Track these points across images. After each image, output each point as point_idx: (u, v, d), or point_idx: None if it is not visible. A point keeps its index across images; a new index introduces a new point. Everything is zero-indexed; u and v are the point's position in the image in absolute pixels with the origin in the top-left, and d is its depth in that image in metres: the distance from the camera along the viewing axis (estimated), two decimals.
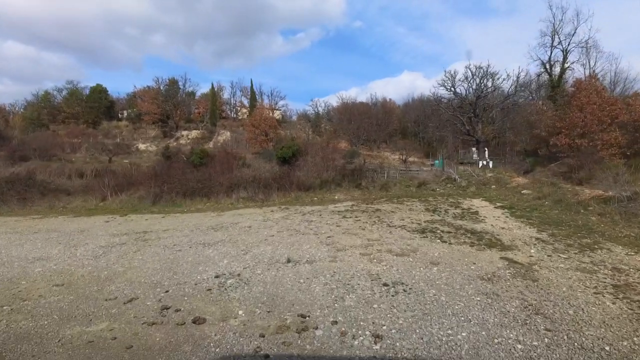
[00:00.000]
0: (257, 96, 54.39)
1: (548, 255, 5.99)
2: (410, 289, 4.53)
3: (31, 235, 9.63)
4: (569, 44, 31.22)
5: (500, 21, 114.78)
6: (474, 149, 29.39)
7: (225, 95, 58.98)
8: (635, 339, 3.21)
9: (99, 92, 52.45)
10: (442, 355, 3.01)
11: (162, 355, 3.12)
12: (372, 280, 4.86)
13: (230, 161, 21.82)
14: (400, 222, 9.15)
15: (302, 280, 4.83)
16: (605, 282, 4.67)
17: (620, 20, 58.59)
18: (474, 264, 5.56)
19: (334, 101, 68.72)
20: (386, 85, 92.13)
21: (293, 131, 39.17)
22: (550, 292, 4.36)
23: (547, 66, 32.76)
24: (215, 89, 55.00)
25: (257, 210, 12.60)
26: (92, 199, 18.90)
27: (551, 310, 3.84)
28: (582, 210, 10.06)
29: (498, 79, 28.56)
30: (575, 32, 30.58)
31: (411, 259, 5.84)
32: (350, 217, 10.09)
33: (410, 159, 30.86)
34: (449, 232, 7.83)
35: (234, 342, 3.31)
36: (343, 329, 3.50)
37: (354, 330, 3.48)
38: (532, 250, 6.31)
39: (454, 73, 29.80)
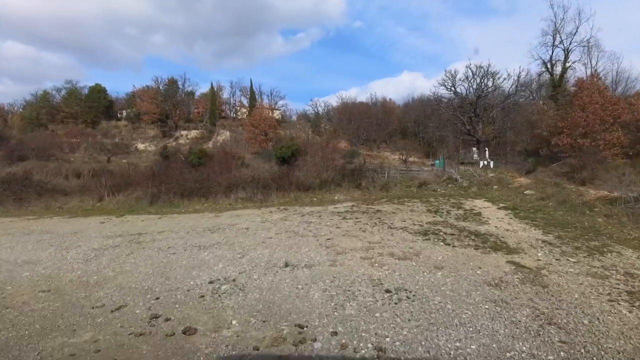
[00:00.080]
0: (256, 96, 54.15)
1: (556, 259, 5.76)
2: (414, 295, 4.30)
3: (23, 237, 9.39)
4: (570, 43, 30.99)
5: (500, 21, 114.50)
6: (474, 148, 29.16)
7: (225, 95, 58.73)
8: None
9: (97, 91, 52.24)
10: None
11: None
12: (373, 286, 4.63)
13: (228, 161, 21.58)
14: (401, 224, 8.92)
15: (300, 286, 4.60)
16: (619, 289, 4.44)
17: (622, 19, 58.40)
18: (480, 268, 5.33)
19: (333, 101, 68.45)
20: (386, 85, 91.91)
21: (293, 131, 38.94)
22: (562, 300, 4.13)
23: (549, 65, 32.55)
24: (215, 89, 54.77)
25: (255, 211, 12.36)
26: (89, 200, 18.66)
27: (565, 320, 3.61)
28: (587, 212, 9.82)
29: (499, 78, 28.34)
30: (576, 31, 30.34)
31: (414, 263, 5.61)
32: (351, 219, 9.86)
33: (410, 159, 30.62)
34: (452, 235, 7.60)
35: (225, 355, 3.08)
36: (343, 340, 3.27)
37: (355, 342, 3.24)
38: (539, 254, 6.08)
39: (455, 73, 29.57)
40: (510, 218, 9.65)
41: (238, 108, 57.64)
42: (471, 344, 3.15)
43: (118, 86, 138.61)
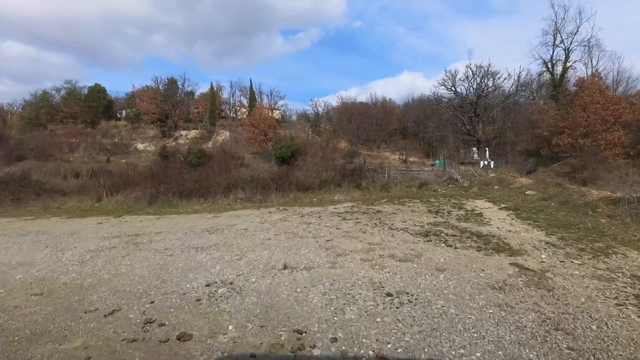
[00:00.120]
0: (256, 96, 54.08)
1: (560, 261, 5.64)
2: (416, 299, 4.18)
3: (19, 237, 9.28)
4: (571, 43, 30.91)
5: (500, 21, 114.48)
6: (474, 148, 29.08)
7: (225, 94, 58.67)
8: None
9: (97, 91, 52.17)
10: None
11: None
12: (374, 289, 4.51)
13: (228, 161, 21.47)
14: (402, 225, 8.81)
15: (299, 290, 4.48)
16: (626, 292, 4.33)
17: (623, 19, 58.32)
18: (483, 270, 5.22)
19: (333, 101, 68.40)
20: (386, 85, 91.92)
21: (293, 131, 38.85)
22: (568, 304, 4.01)
23: (549, 65, 32.46)
24: (215, 89, 54.69)
25: (254, 212, 12.25)
26: (88, 200, 18.56)
27: (572, 325, 3.49)
28: (590, 212, 9.71)
29: (499, 78, 28.23)
30: (577, 31, 30.26)
31: (415, 265, 5.49)
32: (351, 219, 9.75)
33: (410, 159, 30.53)
34: (454, 236, 7.48)
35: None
36: (343, 347, 3.15)
37: (355, 348, 3.13)
38: (543, 256, 5.96)
39: (455, 72, 29.48)
40: (512, 219, 9.54)
41: (238, 108, 57.58)
42: (476, 351, 3.04)
43: (118, 86, 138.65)
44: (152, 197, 17.09)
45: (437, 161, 26.76)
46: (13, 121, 49.11)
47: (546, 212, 10.38)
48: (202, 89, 62.59)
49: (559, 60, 32.03)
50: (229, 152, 24.59)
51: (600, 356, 2.95)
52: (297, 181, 17.42)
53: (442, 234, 7.65)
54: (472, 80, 29.10)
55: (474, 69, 28.55)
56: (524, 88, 33.73)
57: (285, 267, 5.38)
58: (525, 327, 3.46)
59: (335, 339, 3.29)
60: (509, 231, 7.94)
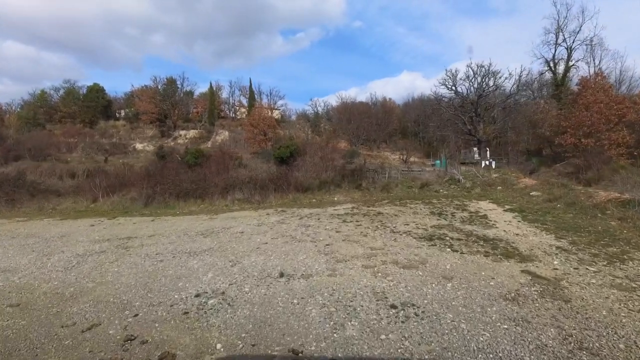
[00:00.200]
0: (256, 95, 53.80)
1: (574, 268, 5.30)
2: (422, 312, 3.84)
3: (7, 241, 8.94)
4: (573, 42, 30.62)
5: (500, 21, 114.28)
6: (475, 148, 28.78)
7: (224, 94, 58.45)
8: None
9: (96, 91, 51.88)
10: None
11: None
12: (377, 300, 4.17)
13: (226, 161, 21.14)
14: (404, 228, 8.46)
15: (295, 301, 4.14)
16: None
17: (625, 17, 57.99)
18: (493, 278, 4.88)
19: (333, 101, 68.13)
20: (385, 85, 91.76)
21: (292, 131, 38.50)
22: (589, 317, 3.67)
23: (551, 64, 32.13)
24: (214, 89, 54.41)
25: (252, 213, 11.90)
26: (83, 201, 18.22)
27: (597, 344, 3.15)
28: (599, 215, 9.37)
29: (500, 77, 27.92)
30: (580, 30, 29.95)
31: (420, 273, 5.15)
32: (351, 222, 9.41)
33: (411, 159, 30.22)
34: (459, 240, 7.14)
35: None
36: None
37: None
38: (555, 262, 5.62)
39: (455, 72, 29.16)
40: (519, 221, 9.20)
41: (237, 108, 57.28)
42: None
43: (118, 86, 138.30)
44: (149, 198, 16.75)
45: (438, 161, 26.46)
46: (11, 121, 48.75)
47: (553, 214, 10.04)
48: (202, 88, 62.35)
49: (561, 59, 31.76)
50: (227, 152, 24.25)
51: None
52: (296, 182, 17.08)
53: (447, 238, 7.31)
54: (472, 80, 28.83)
55: (475, 69, 28.29)
56: (524, 88, 33.44)
57: (281, 275, 5.04)
58: (546, 346, 3.12)
59: None
60: (517, 235, 7.60)
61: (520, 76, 29.05)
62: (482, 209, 11.24)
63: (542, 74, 33.90)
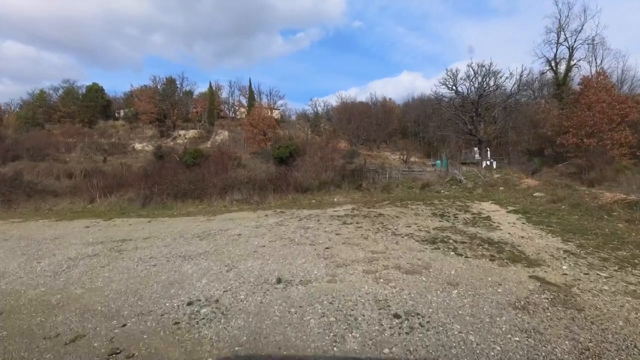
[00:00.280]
0: (255, 95, 53.59)
1: (585, 274, 5.08)
2: (427, 322, 3.62)
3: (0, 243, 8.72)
4: (575, 41, 30.40)
5: (500, 21, 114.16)
6: (475, 149, 28.55)
7: (224, 94, 58.20)
8: None
9: (95, 91, 51.67)
10: None
11: None
12: (379, 308, 3.95)
13: (224, 161, 20.90)
14: (406, 230, 8.24)
15: (293, 310, 3.91)
16: None
17: (626, 17, 57.79)
18: (500, 285, 4.65)
19: (333, 101, 67.94)
20: (385, 85, 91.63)
21: (292, 131, 38.28)
22: (606, 329, 3.45)
23: (553, 64, 31.89)
24: (214, 88, 54.19)
25: (250, 215, 11.68)
26: (80, 201, 17.99)
27: (617, 359, 2.93)
28: (605, 216, 9.15)
29: (500, 77, 27.67)
30: (582, 29, 29.71)
31: (424, 278, 4.93)
32: (351, 224, 9.19)
33: (411, 159, 30.01)
34: (463, 243, 6.92)
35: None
36: None
37: None
38: (564, 267, 5.40)
39: (456, 71, 28.90)
40: (523, 223, 8.98)
41: (237, 108, 57.06)
42: None
43: (118, 86, 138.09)
44: (146, 199, 16.52)
45: (438, 161, 26.25)
46: (9, 121, 48.54)
47: (558, 215, 9.82)
48: (202, 88, 62.17)
49: (563, 58, 31.52)
50: (225, 152, 24.01)
51: None
52: (296, 182, 16.86)
53: (450, 241, 7.08)
54: (473, 80, 28.58)
55: (475, 68, 28.02)
56: (525, 87, 33.20)
57: (279, 281, 4.82)
58: None
59: None
60: (522, 237, 7.38)
61: (521, 76, 28.83)
62: (485, 210, 11.02)
63: (543, 73, 33.70)
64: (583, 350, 3.07)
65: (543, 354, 3.02)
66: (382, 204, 12.84)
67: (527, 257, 5.90)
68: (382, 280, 4.86)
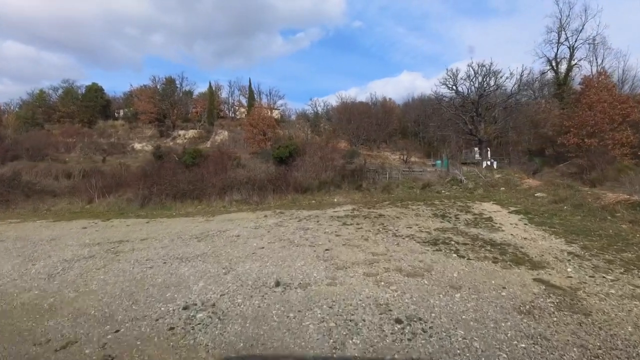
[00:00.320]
0: (255, 95, 53.48)
1: (590, 276, 4.97)
2: (430, 328, 3.51)
3: None
4: (576, 41, 30.28)
5: (500, 21, 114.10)
6: (476, 149, 28.44)
7: (224, 94, 58.05)
8: None
9: (94, 91, 51.56)
10: None
11: None
12: (380, 313, 3.84)
13: (224, 161, 20.79)
14: (407, 231, 8.13)
15: (292, 315, 3.80)
16: None
17: (627, 16, 57.68)
18: (504, 288, 4.54)
19: (333, 101, 67.85)
20: (385, 85, 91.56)
21: (292, 131, 38.17)
22: (615, 335, 3.34)
23: (553, 63, 31.77)
24: (214, 88, 54.06)
25: (249, 215, 11.57)
26: (78, 201, 17.88)
27: None
28: (609, 217, 9.04)
29: (501, 77, 27.55)
30: (582, 28, 29.58)
31: (426, 281, 4.82)
32: (351, 224, 9.08)
33: (411, 159, 29.90)
34: (465, 244, 6.81)
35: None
36: None
37: None
38: (568, 269, 5.29)
39: (456, 71, 28.78)
40: (525, 224, 8.87)
41: (237, 108, 56.94)
42: None
43: (118, 86, 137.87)
44: (145, 199, 16.40)
45: (438, 161, 26.14)
46: (9, 121, 48.43)
47: (560, 216, 9.71)
48: (202, 88, 62.03)
49: (564, 58, 31.39)
50: (225, 152, 23.90)
51: None
52: (295, 182, 16.74)
53: (452, 242, 6.97)
54: (473, 79, 28.46)
55: (476, 68, 27.90)
56: (526, 87, 33.07)
57: (277, 284, 4.71)
58: None
59: None
60: (525, 239, 7.27)
61: (521, 75, 28.70)
62: (487, 210, 10.92)
63: (543, 73, 33.59)
64: (592, 358, 2.96)
65: None
66: (382, 205, 12.73)
67: (531, 259, 5.79)
68: (383, 283, 4.75)
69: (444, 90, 30.22)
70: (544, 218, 9.51)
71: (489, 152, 27.18)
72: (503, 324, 3.57)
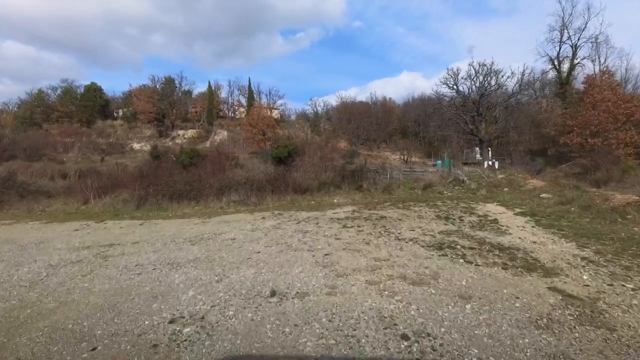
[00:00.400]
0: (255, 95, 53.16)
1: (608, 285, 4.64)
2: (440, 345, 3.17)
3: None
4: (578, 39, 29.93)
5: (500, 21, 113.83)
6: (477, 148, 28.12)
7: (223, 94, 57.70)
8: None
9: (93, 90, 51.24)
10: None
11: None
12: (384, 328, 3.50)
13: (222, 161, 20.46)
14: (410, 234, 7.80)
15: (287, 330, 3.47)
16: None
17: (630, 15, 57.37)
18: (517, 298, 4.21)
19: (333, 101, 67.53)
20: (385, 85, 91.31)
21: (292, 131, 37.85)
22: None
23: (556, 62, 31.42)
24: (213, 88, 53.73)
25: (247, 217, 11.24)
26: (74, 202, 17.55)
27: None
28: (619, 219, 8.71)
29: (502, 76, 27.22)
30: (585, 27, 29.24)
31: (433, 290, 4.48)
32: (352, 227, 8.74)
33: (412, 159, 29.56)
34: (472, 249, 6.48)
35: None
36: None
37: None
38: (584, 276, 4.95)
39: (457, 71, 28.45)
40: (533, 226, 8.54)
41: (236, 107, 56.62)
42: None
43: (118, 86, 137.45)
44: (141, 200, 16.08)
45: (439, 161, 25.83)
46: (7, 120, 48.08)
47: (568, 218, 9.39)
48: (201, 88, 61.61)
49: (566, 57, 31.04)
50: (223, 152, 23.57)
51: None
52: (295, 183, 16.42)
53: (458, 246, 6.64)
54: (474, 79, 28.14)
55: (477, 67, 27.57)
56: (527, 87, 32.73)
57: (273, 294, 4.37)
58: None
59: None
60: (534, 242, 6.94)
61: (522, 75, 28.35)
62: (491, 212, 10.59)
63: (544, 72, 33.25)
64: None
65: None
66: (383, 206, 12.40)
67: (543, 266, 5.45)
68: (386, 292, 4.41)
69: (444, 90, 29.91)
70: (551, 220, 9.18)
71: (489, 152, 26.86)
72: (520, 341, 3.23)
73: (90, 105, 48.88)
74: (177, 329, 3.55)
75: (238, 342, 3.26)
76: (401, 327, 3.51)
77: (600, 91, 23.46)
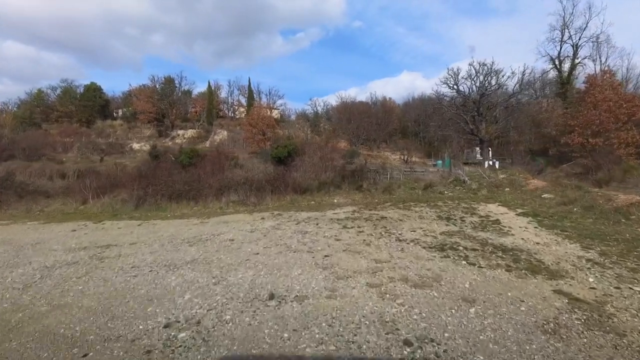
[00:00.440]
0: (255, 95, 53.04)
1: (615, 287, 4.53)
2: (444, 352, 3.06)
3: None
4: (579, 39, 29.79)
5: (500, 21, 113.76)
6: (477, 148, 28.00)
7: (223, 94, 57.55)
8: None
9: (93, 90, 51.13)
10: None
11: None
12: (386, 333, 3.39)
13: (221, 161, 20.35)
14: (411, 235, 7.69)
15: (286, 335, 3.35)
16: None
17: (631, 14, 57.25)
18: (523, 301, 4.10)
19: (333, 101, 67.39)
20: (385, 85, 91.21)
21: (291, 131, 37.73)
22: None
23: (557, 62, 31.30)
24: (213, 88, 53.61)
25: (246, 217, 11.12)
26: (72, 202, 17.44)
27: None
28: (623, 220, 8.61)
29: (502, 76, 27.10)
30: (586, 26, 29.10)
31: (436, 293, 4.37)
32: (352, 228, 8.63)
33: (412, 159, 29.44)
34: (475, 250, 6.36)
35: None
36: None
37: None
38: (590, 279, 4.84)
39: (457, 70, 28.32)
40: (535, 227, 8.43)
41: (236, 107, 56.51)
42: None
43: (118, 86, 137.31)
44: (140, 200, 15.97)
45: (439, 161, 25.71)
46: (6, 120, 47.95)
47: (571, 219, 9.28)
48: (201, 88, 61.53)
49: (567, 56, 30.90)
50: (222, 152, 23.46)
51: None
52: (294, 183, 16.31)
53: (460, 248, 6.53)
54: (475, 79, 28.01)
55: (477, 67, 27.45)
56: (527, 87, 32.61)
57: (271, 297, 4.26)
58: None
59: None
60: (537, 243, 6.82)
61: (523, 75, 28.23)
62: (493, 212, 10.48)
63: (545, 72, 33.13)
64: None
65: None
66: (384, 206, 12.29)
67: (547, 268, 5.34)
68: (388, 295, 4.30)
69: (445, 90, 29.79)
70: (554, 221, 9.08)
71: (490, 152, 26.76)
72: (527, 347, 3.12)
73: (90, 105, 48.77)
74: (172, 334, 3.44)
75: (235, 347, 3.15)
76: (403, 332, 3.40)
77: (602, 91, 23.34)
